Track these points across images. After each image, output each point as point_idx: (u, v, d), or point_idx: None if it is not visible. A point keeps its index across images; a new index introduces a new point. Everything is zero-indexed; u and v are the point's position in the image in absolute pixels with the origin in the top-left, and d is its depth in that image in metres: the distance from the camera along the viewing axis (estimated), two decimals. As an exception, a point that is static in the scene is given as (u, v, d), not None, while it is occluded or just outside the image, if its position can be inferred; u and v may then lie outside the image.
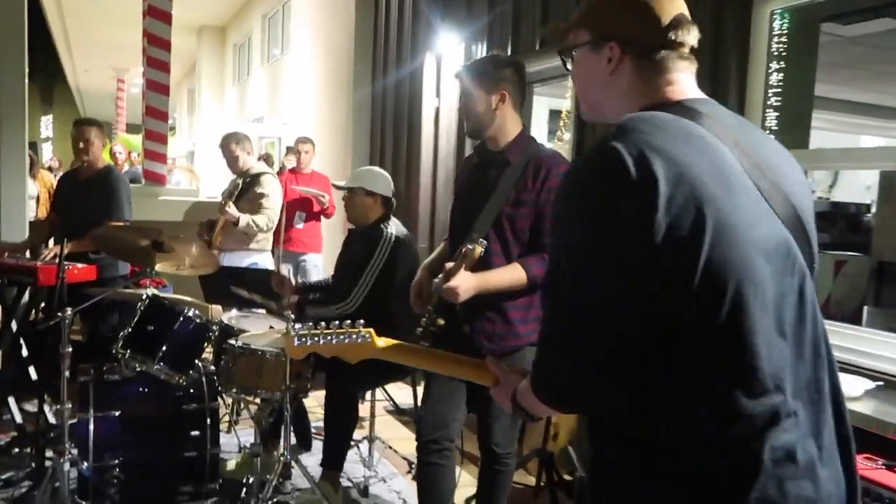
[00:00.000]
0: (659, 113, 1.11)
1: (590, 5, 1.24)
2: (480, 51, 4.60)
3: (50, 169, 10.28)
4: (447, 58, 5.04)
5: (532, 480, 3.41)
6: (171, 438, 3.04)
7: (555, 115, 5.53)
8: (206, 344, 3.16)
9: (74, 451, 2.74)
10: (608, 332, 1.03)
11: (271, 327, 3.43)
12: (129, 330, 2.93)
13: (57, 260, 3.24)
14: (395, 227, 3.27)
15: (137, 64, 7.93)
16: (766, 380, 1.01)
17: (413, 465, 3.38)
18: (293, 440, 3.38)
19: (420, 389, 2.92)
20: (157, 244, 2.95)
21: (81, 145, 4.04)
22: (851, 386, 2.24)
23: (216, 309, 4.03)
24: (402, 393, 4.49)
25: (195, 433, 3.04)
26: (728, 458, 1.00)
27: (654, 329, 1.01)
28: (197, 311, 3.06)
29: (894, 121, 9.75)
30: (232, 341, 3.00)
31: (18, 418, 3.62)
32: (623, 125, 1.07)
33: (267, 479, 2.88)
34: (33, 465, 3.21)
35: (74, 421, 2.86)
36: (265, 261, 4.54)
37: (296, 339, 1.42)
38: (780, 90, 2.90)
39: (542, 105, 6.45)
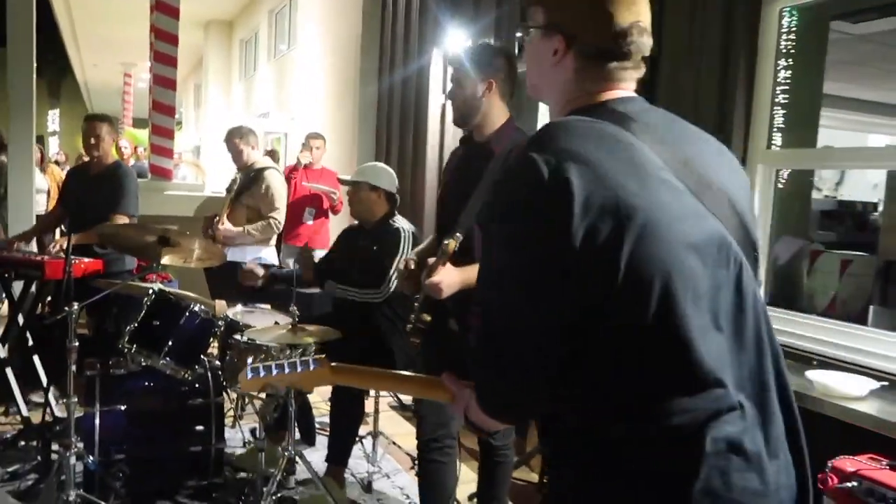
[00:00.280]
0: (576, 118, 1.12)
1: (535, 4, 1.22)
2: (487, 47, 4.59)
3: (56, 163, 10.32)
4: (454, 54, 5.03)
5: (535, 477, 3.41)
6: (176, 433, 3.06)
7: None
8: (211, 339, 3.17)
9: (80, 445, 2.75)
10: (540, 341, 1.04)
11: (276, 322, 3.43)
12: (136, 325, 2.95)
13: (63, 254, 3.26)
14: (404, 222, 3.30)
15: (144, 59, 7.95)
16: (705, 375, 1.01)
17: (416, 461, 3.38)
18: (297, 435, 3.39)
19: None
20: (164, 239, 2.95)
21: (92, 141, 4.05)
22: (856, 386, 2.24)
23: (221, 304, 4.03)
24: (406, 389, 4.50)
25: (200, 428, 3.06)
26: (672, 452, 1.01)
27: (587, 332, 1.02)
28: (202, 307, 3.07)
29: (903, 119, 9.70)
30: (237, 336, 3.01)
31: (24, 411, 3.65)
32: (539, 134, 1.09)
33: (271, 473, 2.89)
34: (39, 458, 3.23)
35: (80, 415, 2.88)
36: (270, 255, 4.54)
37: (248, 372, 1.40)
38: (788, 88, 2.89)
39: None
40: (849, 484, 1.84)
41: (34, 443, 3.37)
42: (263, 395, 3.16)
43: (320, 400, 4.22)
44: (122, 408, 2.96)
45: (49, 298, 4.35)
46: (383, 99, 5.88)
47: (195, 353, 3.04)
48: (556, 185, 0.99)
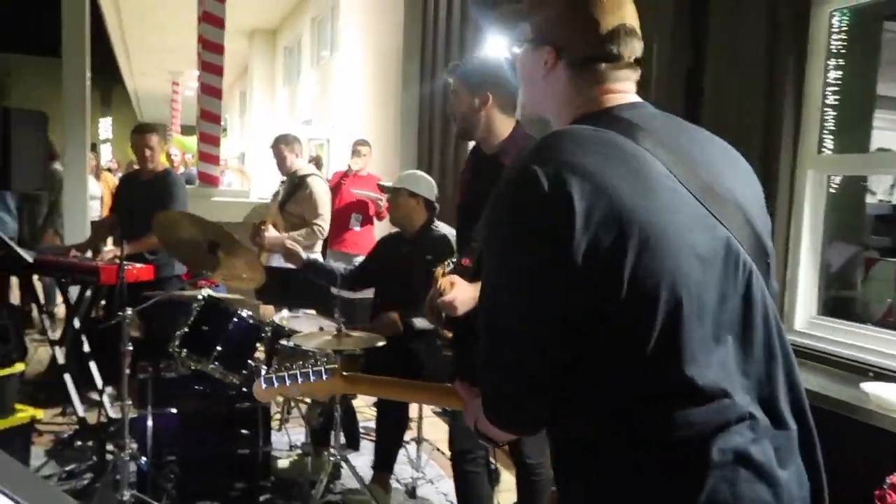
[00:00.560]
0: (579, 127, 1.11)
1: (532, 3, 1.21)
2: (529, 53, 4.58)
3: (109, 170, 10.61)
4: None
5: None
6: (224, 436, 3.12)
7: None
8: (258, 344, 3.23)
9: (134, 446, 2.83)
10: (540, 350, 1.04)
11: (321, 328, 3.48)
12: (186, 330, 3.02)
13: (117, 260, 3.36)
14: (447, 228, 3.30)
15: (191, 67, 8.15)
16: (709, 386, 0.99)
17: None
18: (342, 440, 3.43)
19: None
20: (213, 245, 3.01)
21: (147, 153, 4.18)
22: (915, 398, 2.17)
23: (267, 309, 4.11)
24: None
25: (248, 431, 3.11)
26: (678, 465, 0.99)
27: (590, 342, 1.02)
28: (250, 313, 3.13)
29: (961, 119, 9.35)
30: (284, 342, 3.06)
31: (80, 412, 3.76)
32: (540, 144, 1.08)
33: (317, 478, 2.93)
34: (94, 457, 3.33)
35: (134, 416, 2.96)
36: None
37: (262, 382, 1.41)
38: (839, 90, 2.81)
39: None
40: (907, 500, 1.79)
41: (90, 443, 3.48)
42: (309, 400, 3.20)
43: (364, 405, 4.26)
44: (174, 410, 3.04)
45: (103, 302, 4.49)
46: (425, 105, 5.91)
47: (243, 358, 3.10)
48: (557, 199, 0.99)
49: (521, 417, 1.14)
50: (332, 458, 3.02)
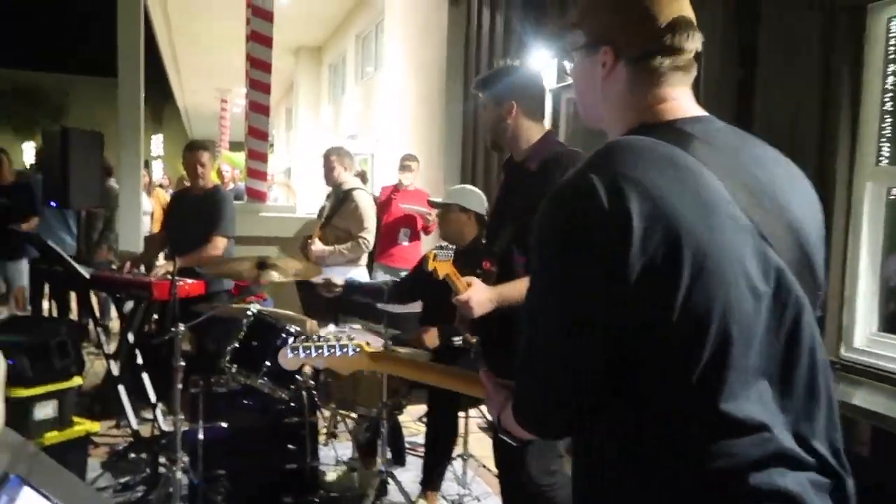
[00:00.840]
0: (641, 138, 1.06)
1: (584, 6, 1.18)
2: (574, 65, 4.56)
3: (161, 186, 10.90)
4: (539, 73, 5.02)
5: None
6: (273, 450, 3.15)
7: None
8: (306, 359, 3.26)
9: (185, 460, 2.88)
10: (578, 372, 1.02)
11: (367, 343, 3.50)
12: (236, 345, 3.07)
13: (169, 276, 3.44)
14: None
15: (239, 84, 8.34)
16: (749, 419, 0.97)
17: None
18: (388, 455, 3.44)
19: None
20: (262, 264, 3.07)
21: (199, 169, 4.28)
22: None
23: (313, 324, 4.15)
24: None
25: (296, 446, 3.14)
26: (715, 492, 0.97)
27: (633, 366, 0.99)
28: (298, 328, 3.16)
29: None
30: (331, 357, 3.08)
31: (134, 424, 3.85)
32: (601, 153, 1.04)
33: (365, 493, 2.94)
34: (148, 470, 3.40)
35: (185, 430, 3.02)
36: (361, 275, 4.64)
37: (289, 350, 1.45)
38: (898, 98, 2.73)
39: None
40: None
41: (143, 455, 3.56)
42: (355, 415, 3.22)
43: (409, 419, 4.26)
44: (224, 424, 3.08)
45: (155, 316, 4.60)
46: (469, 119, 5.93)
47: (291, 373, 3.13)
48: (615, 215, 0.95)
49: (546, 427, 1.15)
50: (379, 474, 3.02)
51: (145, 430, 3.77)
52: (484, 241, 2.62)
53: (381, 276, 5.38)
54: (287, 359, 1.45)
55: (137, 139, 6.02)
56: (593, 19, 1.16)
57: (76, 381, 3.28)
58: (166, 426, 3.76)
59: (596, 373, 1.01)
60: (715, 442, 0.97)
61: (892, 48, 2.73)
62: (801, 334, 1.03)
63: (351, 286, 3.51)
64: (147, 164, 11.91)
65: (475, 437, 4.14)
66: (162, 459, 3.34)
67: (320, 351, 1.45)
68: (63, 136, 4.54)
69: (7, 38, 31.34)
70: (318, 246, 4.41)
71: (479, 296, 2.19)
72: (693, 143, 1.05)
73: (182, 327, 2.85)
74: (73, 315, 5.86)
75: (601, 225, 0.96)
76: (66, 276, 4.04)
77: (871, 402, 2.26)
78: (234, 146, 18.14)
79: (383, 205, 5.65)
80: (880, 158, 2.70)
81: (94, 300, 4.66)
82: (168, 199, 7.42)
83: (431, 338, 3.25)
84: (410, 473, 3.54)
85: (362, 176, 7.66)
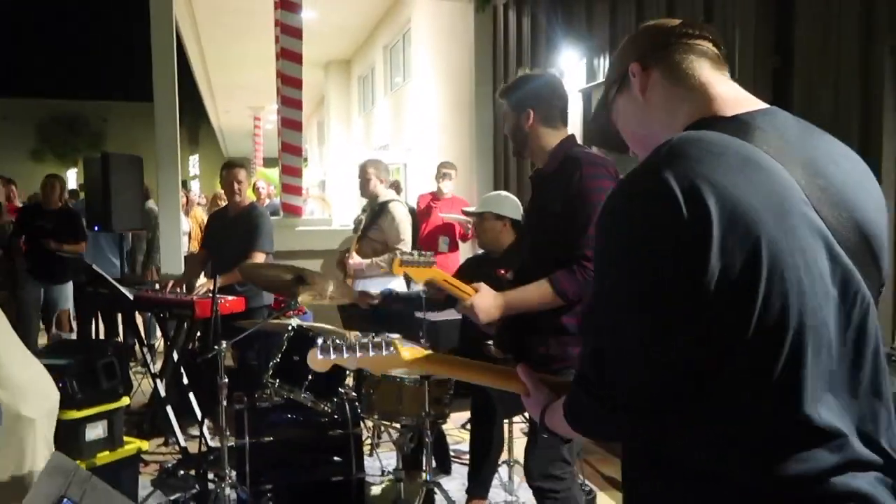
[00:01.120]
0: (710, 133, 1.02)
1: (610, 64, 1.25)
2: (602, 65, 4.52)
3: (199, 205, 11.10)
4: (569, 74, 4.99)
5: None
6: (318, 463, 3.16)
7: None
8: (347, 372, 3.27)
9: (233, 475, 2.90)
10: (648, 374, 0.98)
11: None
12: (277, 360, 3.09)
13: (210, 294, 3.49)
14: None
15: (271, 101, 8.46)
16: (826, 424, 0.94)
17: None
18: (433, 464, 3.42)
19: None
20: (300, 279, 3.09)
21: (236, 187, 4.35)
22: None
23: (354, 334, 4.17)
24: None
25: (340, 458, 3.15)
26: (791, 496, 0.94)
27: (701, 372, 0.95)
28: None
29: None
30: (372, 368, 3.08)
31: (182, 441, 3.91)
32: (672, 149, 0.99)
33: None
34: (197, 486, 3.44)
35: (232, 445, 3.05)
36: (399, 285, 4.65)
37: (319, 351, 1.34)
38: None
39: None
40: None
41: (192, 472, 3.60)
42: (399, 426, 3.22)
43: (453, 427, 4.25)
44: (269, 439, 3.11)
45: (198, 334, 4.67)
46: (499, 125, 5.92)
47: (333, 386, 3.14)
48: (694, 217, 0.92)
49: (604, 430, 1.13)
50: (424, 484, 3.01)
51: (193, 447, 3.82)
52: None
53: (419, 285, 5.38)
54: (317, 359, 1.35)
55: (175, 161, 6.14)
56: (618, 61, 1.22)
57: (124, 401, 3.33)
58: (213, 442, 3.80)
59: (666, 378, 0.98)
60: (793, 448, 0.94)
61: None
62: (868, 334, 1.00)
63: (388, 296, 3.51)
64: (185, 185, 12.16)
65: (521, 443, 4.11)
66: (210, 475, 3.37)
67: (352, 351, 1.35)
68: (104, 162, 4.64)
69: (45, 68, 32.40)
70: (356, 259, 4.43)
71: (483, 302, 2.18)
72: (761, 136, 1.02)
73: (224, 344, 2.88)
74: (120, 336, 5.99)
75: (679, 228, 0.93)
76: (110, 297, 4.13)
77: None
78: (269, 162, 18.42)
79: (422, 213, 5.66)
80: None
81: (139, 320, 4.75)
82: (205, 217, 7.55)
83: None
84: (456, 482, 3.52)
85: (396, 186, 7.70)
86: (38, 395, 2.32)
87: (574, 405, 1.12)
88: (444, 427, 3.81)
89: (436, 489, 3.11)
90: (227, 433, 2.89)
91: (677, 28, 1.16)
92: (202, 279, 4.85)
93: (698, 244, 0.92)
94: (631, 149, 1.25)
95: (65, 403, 2.97)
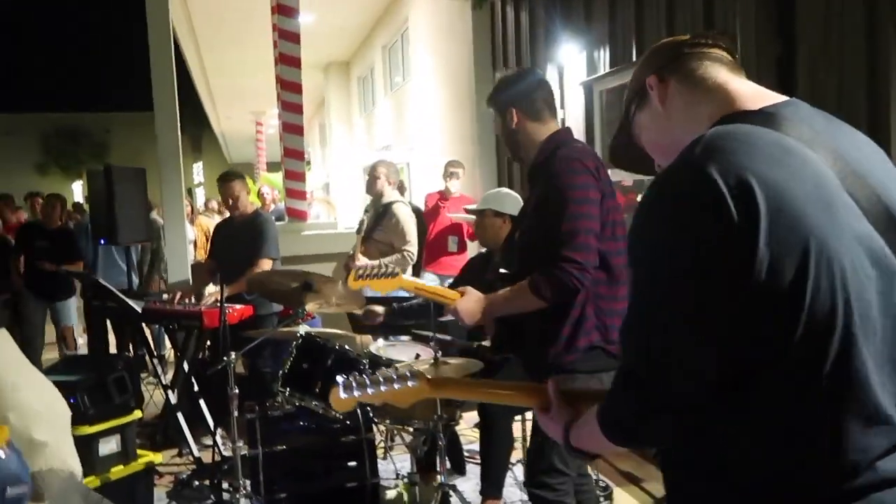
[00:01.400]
0: (740, 126, 1.02)
1: (627, 86, 1.28)
2: (603, 58, 4.48)
3: (211, 210, 11.10)
4: (569, 68, 4.96)
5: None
6: (332, 470, 3.16)
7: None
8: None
9: (248, 485, 2.90)
10: (694, 375, 0.96)
11: (418, 355, 3.48)
12: (287, 369, 3.08)
13: (218, 304, 3.48)
14: None
15: (272, 106, 8.45)
16: (878, 410, 0.93)
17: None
18: (447, 465, 3.41)
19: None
20: (307, 285, 3.08)
21: (231, 201, 4.36)
22: None
23: (365, 339, 4.15)
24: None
25: (354, 463, 3.14)
26: (845, 484, 0.93)
27: (749, 370, 0.94)
28: (347, 346, 3.16)
29: None
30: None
31: (196, 452, 3.91)
32: (707, 144, 0.98)
33: (426, 508, 2.92)
34: (212, 496, 3.44)
35: (245, 454, 3.04)
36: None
37: (341, 390, 1.33)
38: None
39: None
40: None
41: (206, 482, 3.60)
42: (412, 428, 3.20)
43: (466, 427, 4.23)
44: (282, 447, 3.10)
45: (208, 343, 4.67)
46: (501, 121, 5.87)
47: (344, 392, 3.13)
48: (742, 210, 0.91)
49: (645, 435, 1.08)
50: (439, 487, 3.00)
51: (207, 457, 3.82)
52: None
53: (430, 284, 5.36)
54: (340, 399, 1.33)
55: (177, 169, 6.13)
56: (633, 80, 1.26)
57: (136, 414, 3.34)
58: (226, 451, 3.80)
59: (710, 376, 0.96)
60: (847, 438, 0.93)
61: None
62: None
63: (396, 311, 3.51)
64: (190, 192, 12.18)
65: (534, 442, 4.09)
66: (225, 485, 3.37)
67: (376, 386, 1.33)
68: (107, 175, 4.64)
69: (46, 82, 32.53)
70: (362, 262, 4.42)
71: (465, 305, 2.17)
72: (789, 126, 1.02)
73: (234, 355, 2.87)
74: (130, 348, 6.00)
75: (727, 221, 0.92)
76: (119, 310, 4.13)
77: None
78: (272, 166, 18.42)
79: (430, 213, 5.64)
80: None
81: (147, 332, 4.75)
82: (209, 225, 7.55)
83: None
84: (471, 483, 3.51)
85: (400, 186, 7.68)
86: (51, 417, 2.32)
87: (612, 410, 1.08)
88: (458, 427, 3.80)
89: (451, 491, 3.10)
90: (240, 443, 2.88)
91: (689, 40, 1.20)
92: (211, 288, 4.85)
93: (745, 238, 0.91)
94: (656, 161, 1.26)
95: (77, 419, 2.97)
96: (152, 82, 6.04)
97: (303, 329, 3.22)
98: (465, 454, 3.88)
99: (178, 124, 6.18)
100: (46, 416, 2.28)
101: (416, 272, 4.99)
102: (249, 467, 3.01)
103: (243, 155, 25.38)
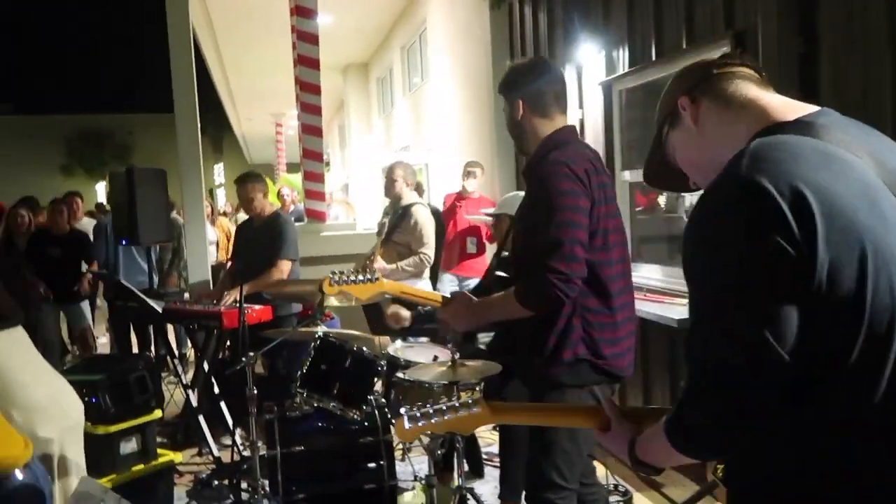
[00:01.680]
0: (781, 136, 1.03)
1: (657, 108, 1.30)
2: (621, 57, 4.45)
3: (224, 214, 11.19)
4: (587, 67, 4.92)
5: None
6: (350, 471, 3.16)
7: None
8: (375, 378, 3.26)
9: (266, 484, 2.91)
10: (768, 384, 0.96)
11: (436, 357, 3.48)
12: (305, 370, 3.09)
13: (237, 304, 3.50)
14: None
15: (291, 107, 8.48)
16: None
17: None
18: (465, 467, 3.40)
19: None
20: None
21: (248, 203, 4.40)
22: None
23: (383, 340, 4.16)
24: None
25: (372, 465, 3.14)
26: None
27: (813, 375, 0.94)
28: (365, 347, 3.16)
29: None
30: (401, 375, 3.07)
31: (216, 451, 3.93)
32: (753, 155, 0.99)
33: (444, 510, 2.91)
34: (231, 496, 3.46)
35: (263, 454, 3.05)
36: (426, 287, 4.63)
37: (406, 421, 1.36)
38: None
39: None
40: None
41: (226, 482, 3.62)
42: (429, 431, 3.20)
43: (485, 429, 4.22)
44: (300, 448, 3.10)
45: (228, 343, 4.70)
46: (519, 121, 5.85)
47: (362, 393, 3.13)
48: (798, 218, 0.92)
49: (715, 446, 1.07)
50: (457, 490, 2.99)
51: (227, 456, 3.84)
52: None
53: (448, 286, 5.36)
54: (405, 430, 1.36)
55: (198, 171, 6.19)
56: (664, 102, 1.28)
57: (156, 413, 3.36)
58: (246, 451, 3.82)
59: (780, 383, 0.96)
60: None
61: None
62: None
63: (419, 316, 3.49)
64: (211, 193, 12.28)
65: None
66: (244, 485, 3.39)
67: (440, 415, 1.36)
68: (128, 176, 4.69)
69: (70, 85, 32.99)
70: (380, 264, 4.42)
71: (450, 312, 2.16)
72: (827, 133, 1.04)
73: (252, 355, 2.88)
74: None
75: (784, 228, 0.93)
76: (140, 311, 4.17)
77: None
78: (292, 167, 18.54)
79: (448, 213, 5.64)
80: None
81: (171, 331, 4.80)
82: (230, 227, 7.59)
83: None
84: (489, 485, 3.50)
85: (418, 187, 7.68)
86: (57, 413, 2.33)
87: (680, 422, 1.08)
88: (476, 430, 3.79)
89: (469, 494, 3.08)
90: (259, 443, 2.89)
91: (717, 60, 1.24)
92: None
93: (804, 245, 0.92)
94: (691, 178, 1.27)
95: (98, 418, 3.01)
96: (172, 84, 6.10)
97: (321, 330, 3.23)
98: (484, 457, 3.87)
99: (199, 126, 6.23)
100: (53, 413, 2.31)
101: (434, 274, 4.99)
102: (268, 467, 3.02)
103: (263, 156, 25.55)
